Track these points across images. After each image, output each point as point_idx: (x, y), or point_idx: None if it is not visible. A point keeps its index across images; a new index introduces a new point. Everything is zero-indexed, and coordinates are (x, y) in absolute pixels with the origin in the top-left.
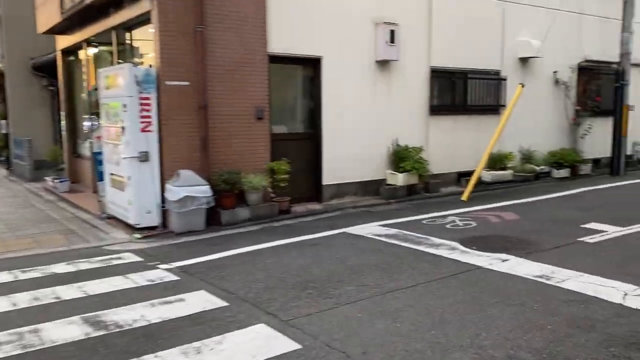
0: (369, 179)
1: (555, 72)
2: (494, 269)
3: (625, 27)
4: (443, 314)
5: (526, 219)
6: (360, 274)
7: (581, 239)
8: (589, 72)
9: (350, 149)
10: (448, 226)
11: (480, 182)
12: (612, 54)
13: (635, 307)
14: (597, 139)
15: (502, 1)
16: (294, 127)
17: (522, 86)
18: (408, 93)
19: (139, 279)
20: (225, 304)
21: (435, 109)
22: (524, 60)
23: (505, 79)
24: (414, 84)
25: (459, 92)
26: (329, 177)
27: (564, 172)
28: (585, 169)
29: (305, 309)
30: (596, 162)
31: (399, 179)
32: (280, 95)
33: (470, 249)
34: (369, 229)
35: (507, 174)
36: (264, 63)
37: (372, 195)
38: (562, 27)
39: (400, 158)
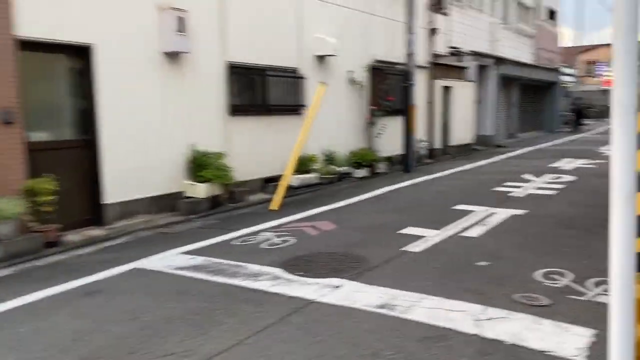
0: (164, 193)
1: (350, 71)
2: (329, 301)
3: (409, 29)
4: None
5: (344, 227)
6: (161, 335)
7: (405, 248)
8: (380, 72)
9: (139, 158)
10: (264, 246)
11: (287, 187)
12: (399, 55)
13: (493, 337)
14: (389, 137)
15: None
16: (61, 133)
17: (324, 85)
18: (205, 91)
19: None
20: None
21: (236, 109)
22: (321, 59)
23: (304, 78)
24: (210, 81)
25: (259, 91)
26: (113, 194)
27: (363, 172)
28: (382, 167)
29: None
30: (389, 159)
31: (200, 190)
32: (39, 93)
33: (295, 276)
34: (169, 260)
35: (313, 177)
36: (9, 50)
37: (170, 212)
38: (355, 27)
39: (200, 166)
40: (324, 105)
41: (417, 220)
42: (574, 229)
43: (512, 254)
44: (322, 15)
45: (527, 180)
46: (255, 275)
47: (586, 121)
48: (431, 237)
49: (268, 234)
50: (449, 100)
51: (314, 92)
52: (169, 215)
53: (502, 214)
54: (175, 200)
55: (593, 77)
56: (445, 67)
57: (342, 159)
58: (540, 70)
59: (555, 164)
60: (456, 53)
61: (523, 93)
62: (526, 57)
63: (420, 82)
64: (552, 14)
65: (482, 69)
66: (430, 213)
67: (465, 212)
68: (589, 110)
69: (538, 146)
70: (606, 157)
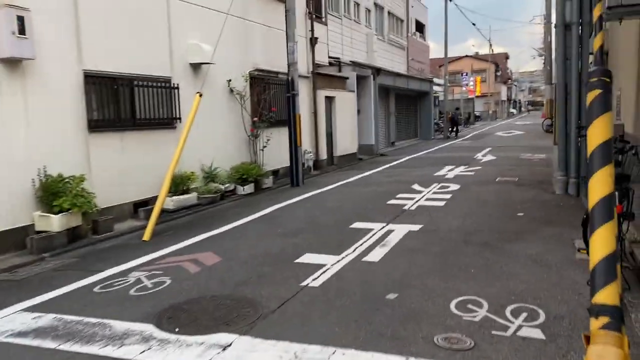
0: (7, 228)
1: (229, 80)
2: None
3: (290, 37)
4: None
5: (230, 259)
6: None
7: (305, 282)
8: (261, 81)
9: None
10: (133, 292)
11: (162, 211)
12: (280, 64)
13: None
14: (274, 149)
15: None
16: None
17: (200, 96)
18: (57, 104)
19: None
20: None
21: (98, 125)
22: (196, 67)
23: (177, 88)
24: (64, 93)
25: (126, 103)
26: None
27: (248, 188)
28: (268, 182)
29: None
30: (275, 172)
31: (55, 223)
32: None
33: (172, 334)
34: (4, 323)
35: (191, 197)
36: None
37: (15, 251)
38: (233, 33)
39: (54, 193)
40: (203, 117)
41: (314, 244)
42: (473, 245)
43: (419, 280)
44: (196, 20)
45: (417, 191)
46: (120, 338)
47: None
48: (331, 265)
49: (139, 274)
50: (332, 111)
51: (190, 104)
52: (14, 256)
53: (399, 230)
54: (22, 236)
55: (460, 86)
56: (327, 77)
57: (225, 175)
58: (414, 81)
59: (439, 173)
60: (336, 63)
61: (399, 102)
62: (400, 67)
63: (303, 92)
64: (420, 27)
65: (361, 79)
66: (326, 235)
67: (363, 231)
68: (460, 118)
69: (418, 154)
70: (482, 164)
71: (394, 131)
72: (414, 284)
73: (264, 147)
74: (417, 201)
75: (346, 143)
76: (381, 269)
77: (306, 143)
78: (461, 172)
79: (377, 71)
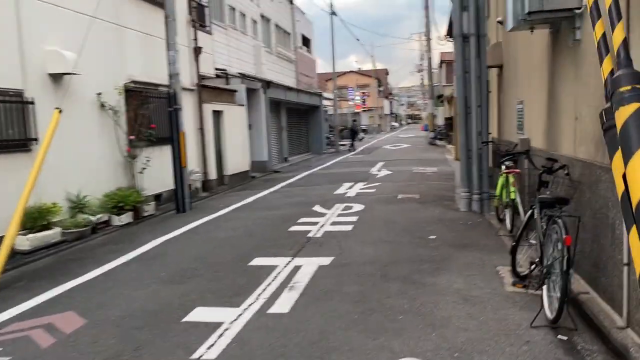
0: None
1: (99, 94)
2: None
3: (170, 46)
4: None
5: (98, 322)
6: None
7: (197, 354)
8: (138, 95)
9: None
10: None
11: (14, 253)
12: (161, 76)
13: None
14: (156, 171)
15: None
16: None
17: (60, 111)
18: None
19: None
20: None
21: None
22: (57, 78)
23: (33, 102)
24: None
25: None
26: None
27: (126, 218)
28: (149, 209)
29: None
30: (157, 197)
31: None
32: None
33: None
34: None
35: (54, 233)
36: None
37: None
38: (103, 40)
39: None
40: (68, 137)
41: (207, 293)
42: (393, 280)
43: (342, 337)
44: (56, 23)
45: (320, 214)
46: None
47: (343, 142)
48: (230, 323)
49: None
50: (220, 126)
51: (49, 121)
52: None
53: (308, 266)
54: None
55: (347, 100)
56: (214, 89)
57: (97, 204)
58: (304, 94)
59: (339, 191)
60: (223, 75)
61: (291, 117)
62: (289, 81)
63: (188, 107)
64: (306, 42)
65: (251, 92)
66: (222, 278)
67: (266, 270)
68: (358, 129)
69: (313, 170)
70: (379, 179)
71: (286, 146)
72: (336, 344)
73: (144, 169)
74: (321, 226)
75: (237, 160)
76: (293, 324)
77: (193, 162)
78: (361, 189)
79: (267, 84)
